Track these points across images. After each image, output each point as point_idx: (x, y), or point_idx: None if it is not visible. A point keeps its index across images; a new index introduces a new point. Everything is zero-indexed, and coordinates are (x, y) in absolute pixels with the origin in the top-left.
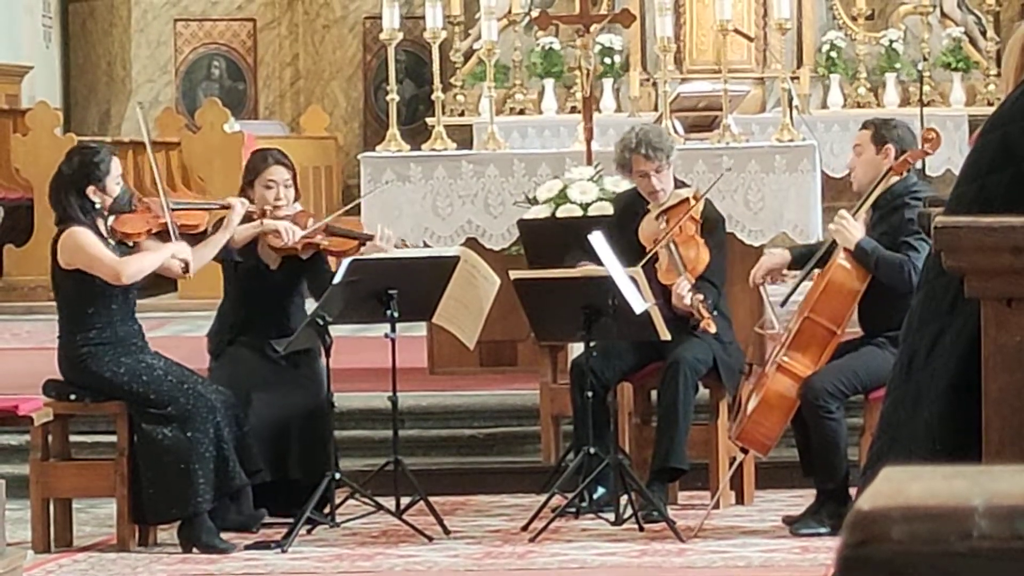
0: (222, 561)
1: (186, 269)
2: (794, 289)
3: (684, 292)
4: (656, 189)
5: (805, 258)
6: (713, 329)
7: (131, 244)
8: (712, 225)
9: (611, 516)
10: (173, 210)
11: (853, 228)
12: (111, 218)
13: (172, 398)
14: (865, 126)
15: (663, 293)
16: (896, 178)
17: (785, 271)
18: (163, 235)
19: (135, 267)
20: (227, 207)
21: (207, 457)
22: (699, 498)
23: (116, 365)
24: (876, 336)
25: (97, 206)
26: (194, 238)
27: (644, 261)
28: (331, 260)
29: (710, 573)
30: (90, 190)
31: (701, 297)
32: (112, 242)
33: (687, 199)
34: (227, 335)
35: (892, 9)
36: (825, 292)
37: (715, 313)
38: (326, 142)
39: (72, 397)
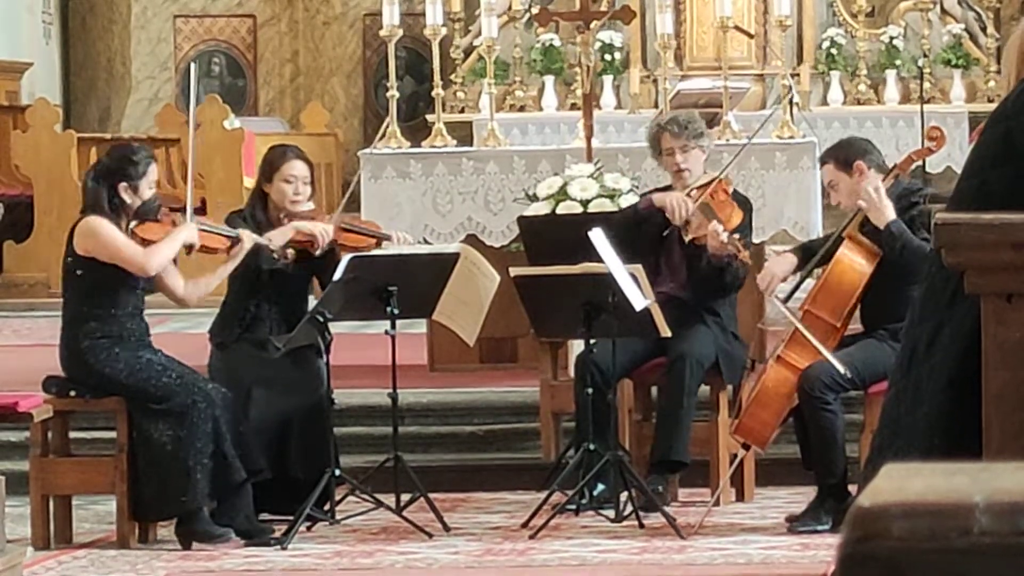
0: (222, 558)
1: (189, 251)
2: (797, 286)
3: (720, 230)
4: (681, 167)
5: (809, 253)
6: (750, 263)
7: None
8: (742, 205)
9: (611, 513)
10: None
11: (886, 207)
12: (134, 222)
13: (171, 394)
14: (823, 162)
15: (684, 259)
16: (892, 181)
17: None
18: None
19: (159, 257)
20: (238, 240)
21: (206, 453)
22: (699, 495)
23: (115, 360)
24: (876, 329)
25: (126, 203)
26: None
27: (673, 226)
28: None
29: (710, 570)
30: (121, 186)
31: (738, 236)
32: None
33: (716, 178)
34: (236, 329)
35: (892, 6)
36: (826, 286)
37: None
38: (326, 139)
39: (72, 393)
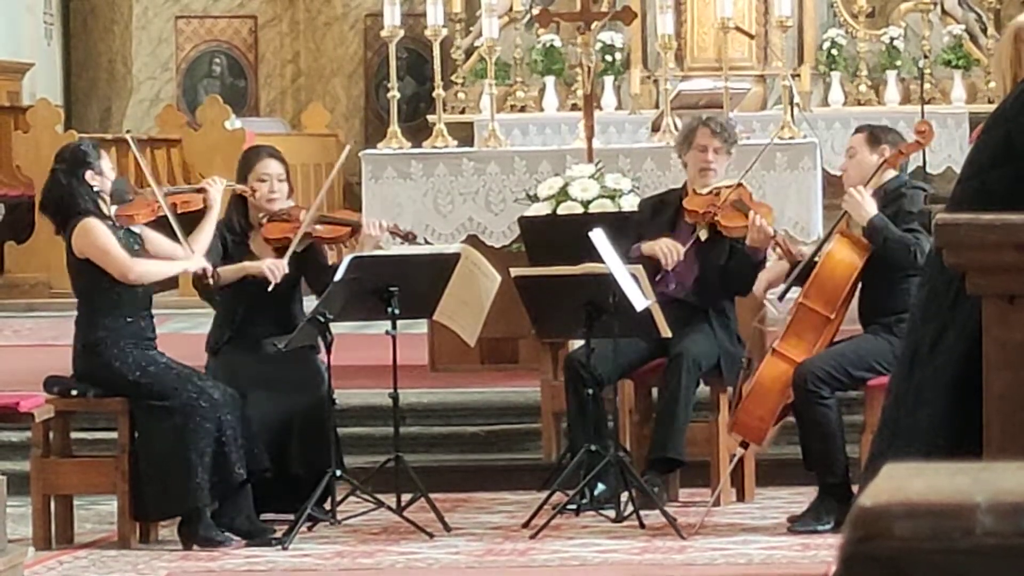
0: (223, 558)
1: (207, 275)
2: (790, 286)
3: (759, 222)
4: (711, 165)
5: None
6: (798, 257)
7: (137, 230)
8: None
9: (612, 513)
10: (167, 194)
11: (867, 204)
12: (113, 208)
13: (174, 393)
14: (859, 130)
15: (694, 260)
16: (891, 173)
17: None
18: (164, 220)
19: (142, 268)
20: (203, 190)
21: (208, 453)
22: (700, 495)
23: (125, 356)
24: (871, 324)
25: (96, 189)
26: (194, 217)
27: (665, 271)
28: (327, 251)
29: (711, 570)
30: (88, 175)
31: (781, 234)
32: (120, 231)
33: (737, 182)
34: (227, 332)
35: (893, 6)
36: (818, 277)
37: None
38: (327, 139)
39: (74, 393)
